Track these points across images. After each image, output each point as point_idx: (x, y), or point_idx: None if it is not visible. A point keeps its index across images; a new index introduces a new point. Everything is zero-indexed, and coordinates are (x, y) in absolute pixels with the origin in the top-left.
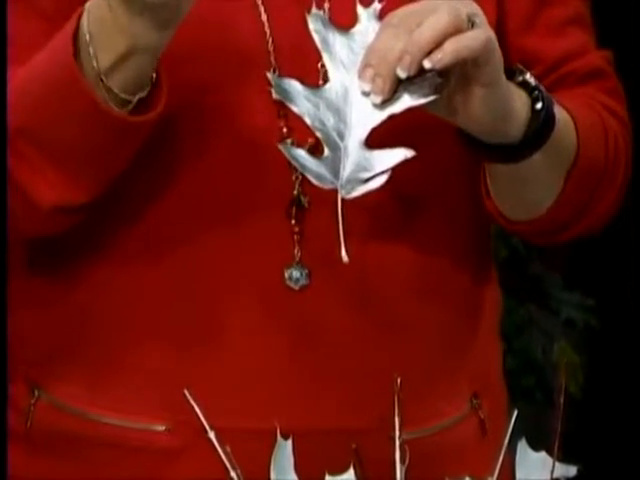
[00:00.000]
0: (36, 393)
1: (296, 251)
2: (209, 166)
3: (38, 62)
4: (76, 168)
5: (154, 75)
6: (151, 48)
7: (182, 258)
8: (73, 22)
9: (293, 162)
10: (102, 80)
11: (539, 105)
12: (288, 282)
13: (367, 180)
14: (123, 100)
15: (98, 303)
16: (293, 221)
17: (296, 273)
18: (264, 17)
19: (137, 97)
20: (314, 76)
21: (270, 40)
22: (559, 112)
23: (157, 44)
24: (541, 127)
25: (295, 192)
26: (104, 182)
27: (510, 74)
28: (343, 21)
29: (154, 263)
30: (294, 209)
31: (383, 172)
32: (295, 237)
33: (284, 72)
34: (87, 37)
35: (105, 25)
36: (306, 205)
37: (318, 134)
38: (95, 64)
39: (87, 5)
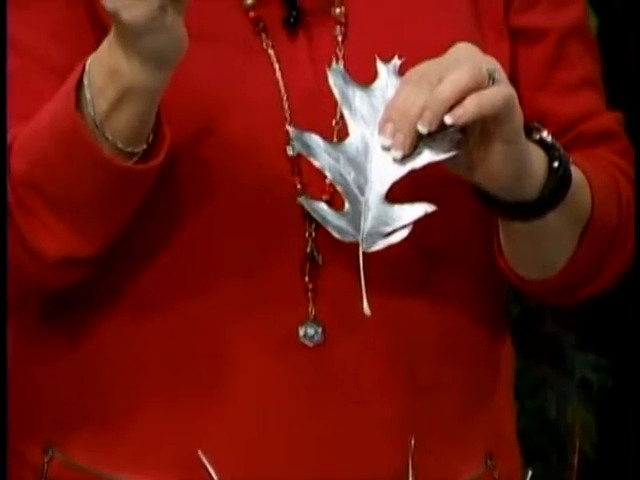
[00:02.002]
0: (50, 452)
1: (310, 308)
2: (221, 223)
3: (44, 112)
4: (80, 219)
5: (154, 125)
6: (146, 90)
7: (194, 316)
8: (78, 70)
9: (314, 215)
10: (97, 127)
11: (556, 164)
12: (303, 339)
13: (388, 234)
14: (123, 151)
15: (107, 358)
16: (307, 278)
17: (311, 330)
18: (279, 74)
19: (139, 149)
20: (328, 134)
21: (285, 97)
22: (575, 171)
23: (152, 86)
24: (558, 186)
25: (309, 249)
26: (108, 233)
27: (527, 132)
28: (357, 76)
29: (165, 319)
30: (308, 266)
31: (404, 226)
32: (309, 294)
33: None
34: (86, 82)
35: (103, 67)
36: (320, 262)
37: (339, 188)
38: (92, 110)
39: (93, 54)
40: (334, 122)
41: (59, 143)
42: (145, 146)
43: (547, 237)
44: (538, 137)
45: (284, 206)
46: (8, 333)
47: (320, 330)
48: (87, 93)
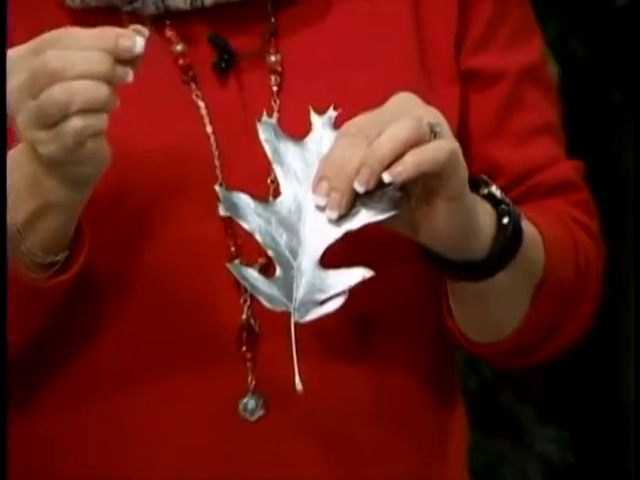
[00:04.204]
0: None
1: (250, 379)
2: (150, 292)
3: None
4: None
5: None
6: (65, 207)
7: (129, 391)
8: None
9: (243, 282)
10: (19, 232)
11: (506, 220)
12: (243, 413)
13: (322, 302)
14: (43, 263)
15: (45, 439)
16: (244, 347)
17: (251, 403)
18: (209, 128)
19: (60, 257)
20: (263, 193)
21: (216, 154)
22: (527, 227)
23: (72, 204)
24: (508, 243)
25: (244, 316)
26: (23, 337)
27: (474, 185)
28: (294, 129)
29: (98, 396)
30: (244, 335)
31: (340, 294)
32: (248, 364)
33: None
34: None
35: (24, 174)
36: (257, 330)
37: (270, 252)
38: (13, 216)
39: (14, 151)
40: (269, 180)
41: None
42: (67, 252)
43: (498, 297)
44: (486, 191)
45: (217, 271)
46: None
47: (261, 402)
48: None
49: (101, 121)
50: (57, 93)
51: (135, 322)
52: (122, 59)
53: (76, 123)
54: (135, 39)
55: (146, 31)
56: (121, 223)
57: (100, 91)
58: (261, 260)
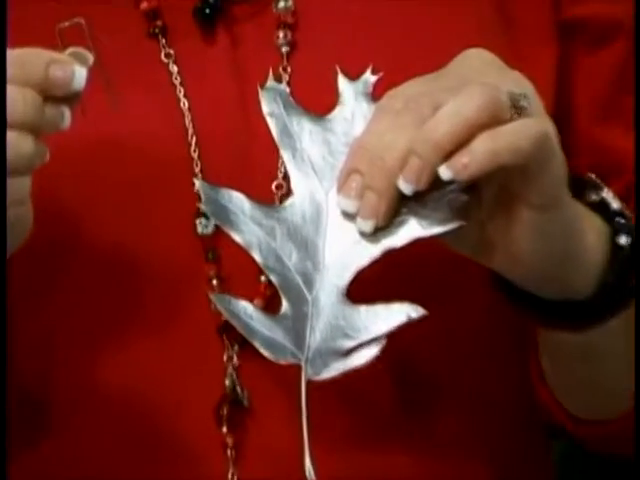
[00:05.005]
0: None
1: (230, 474)
2: (113, 342)
3: None
4: None
5: None
6: None
7: None
8: None
9: (232, 320)
10: None
11: (624, 239)
12: None
13: (348, 352)
14: None
15: None
16: (224, 428)
17: None
18: (185, 104)
19: None
20: (265, 201)
21: (193, 143)
22: None
23: None
24: (626, 273)
25: (228, 382)
26: None
27: (578, 189)
28: (312, 105)
29: None
30: (225, 409)
31: (374, 340)
32: (229, 453)
33: None
34: None
35: None
36: (245, 402)
37: (273, 278)
38: None
39: None
40: (274, 185)
41: None
42: None
43: (612, 353)
44: (595, 198)
45: (192, 312)
46: None
47: None
48: None
49: (23, 186)
50: None
51: (88, 412)
52: (55, 95)
53: None
54: (72, 69)
55: (90, 56)
56: (63, 245)
57: (22, 146)
58: (257, 301)
